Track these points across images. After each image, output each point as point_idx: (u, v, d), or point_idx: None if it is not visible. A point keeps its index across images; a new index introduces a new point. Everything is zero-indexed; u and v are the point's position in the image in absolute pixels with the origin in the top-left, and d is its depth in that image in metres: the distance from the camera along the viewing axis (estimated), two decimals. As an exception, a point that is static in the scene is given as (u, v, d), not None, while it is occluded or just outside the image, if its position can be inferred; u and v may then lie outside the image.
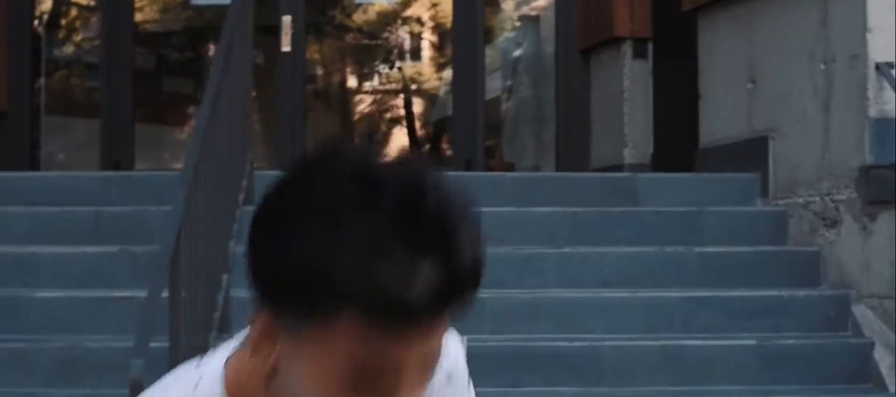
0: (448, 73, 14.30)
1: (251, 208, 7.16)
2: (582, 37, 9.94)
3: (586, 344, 6.48)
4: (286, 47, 9.62)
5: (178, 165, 12.25)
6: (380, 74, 15.65)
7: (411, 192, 1.38)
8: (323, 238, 1.36)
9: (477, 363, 6.64)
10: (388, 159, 1.44)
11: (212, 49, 14.19)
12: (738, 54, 8.02)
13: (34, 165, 10.16)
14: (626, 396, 6.18)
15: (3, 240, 7.28)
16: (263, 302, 1.42)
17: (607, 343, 6.48)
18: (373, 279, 1.34)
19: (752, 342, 6.50)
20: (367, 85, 15.62)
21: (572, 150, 9.93)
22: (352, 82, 15.44)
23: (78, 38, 13.07)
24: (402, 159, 1.44)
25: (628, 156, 9.35)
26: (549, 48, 10.70)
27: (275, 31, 9.84)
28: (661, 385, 6.36)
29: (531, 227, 7.37)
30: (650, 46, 9.39)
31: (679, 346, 6.51)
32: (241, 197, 7.20)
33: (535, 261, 7.06)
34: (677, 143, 8.98)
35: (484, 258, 1.47)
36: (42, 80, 10.74)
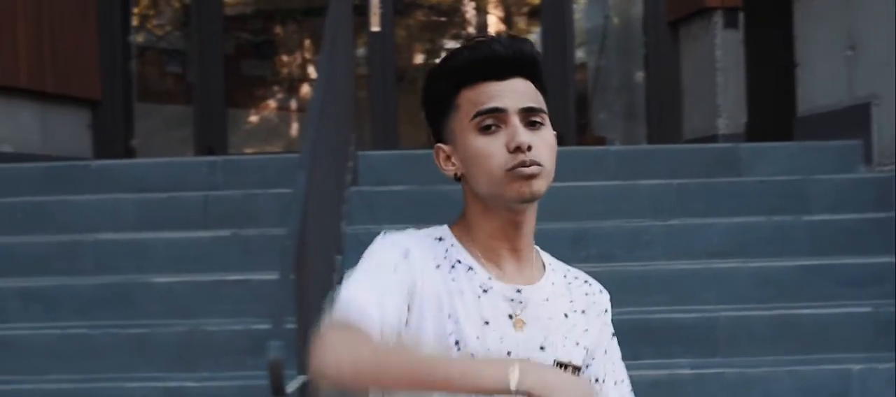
0: (533, 48, 14.32)
1: (357, 189, 7.26)
2: (671, 7, 9.93)
3: (701, 315, 6.49)
4: (375, 27, 9.65)
5: (261, 149, 12.38)
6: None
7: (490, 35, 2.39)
8: (447, 60, 2.38)
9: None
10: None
11: (283, 31, 14.31)
12: (836, 21, 7.98)
13: (128, 152, 10.27)
14: (744, 366, 6.17)
15: (114, 227, 7.38)
16: (434, 140, 2.40)
17: (722, 313, 6.48)
18: (475, 52, 2.34)
19: (867, 309, 6.48)
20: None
21: (664, 122, 9.93)
22: (429, 59, 15.46)
23: (154, 24, 13.18)
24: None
25: (722, 126, 9.34)
26: (637, 20, 10.69)
27: (360, 11, 9.88)
28: (778, 354, 6.36)
29: (637, 200, 7.38)
30: (741, 16, 9.36)
31: (793, 315, 6.50)
32: (349, 178, 7.26)
33: (644, 234, 7.08)
34: (772, 112, 8.96)
35: (534, 55, 2.37)
36: (132, 67, 10.83)
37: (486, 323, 2.33)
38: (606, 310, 2.50)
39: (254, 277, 6.73)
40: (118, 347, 6.43)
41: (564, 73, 10.01)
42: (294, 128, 13.99)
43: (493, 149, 2.30)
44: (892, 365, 6.05)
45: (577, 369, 2.39)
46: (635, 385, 6.06)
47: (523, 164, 2.28)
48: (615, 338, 2.52)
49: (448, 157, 2.38)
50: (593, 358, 2.44)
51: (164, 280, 6.83)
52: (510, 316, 2.35)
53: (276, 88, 14.35)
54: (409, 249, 2.33)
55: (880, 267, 6.82)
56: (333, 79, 6.58)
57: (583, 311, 2.44)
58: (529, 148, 2.28)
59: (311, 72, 14.83)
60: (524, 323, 2.36)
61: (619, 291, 6.57)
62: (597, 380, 2.45)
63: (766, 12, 9.06)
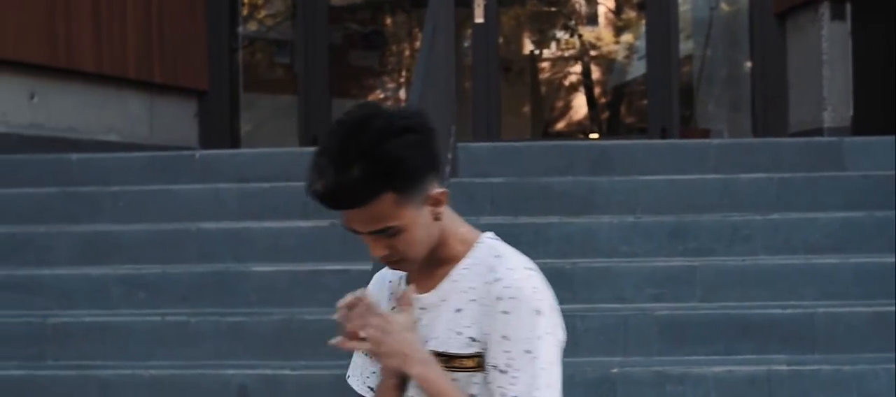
0: (627, 38, 14.25)
1: (457, 180, 7.27)
2: (777, 0, 9.83)
3: (799, 311, 6.41)
4: (479, 19, 9.67)
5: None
6: (558, 41, 15.65)
7: (338, 134, 2.41)
8: (307, 187, 2.45)
9: (689, 330, 6.64)
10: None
11: (391, 21, 14.36)
12: (945, 14, 7.86)
13: (234, 142, 10.39)
14: (841, 363, 6.10)
15: (216, 216, 7.49)
16: None
17: (820, 309, 6.40)
18: (315, 198, 2.42)
19: (969, 306, 6.36)
20: (546, 53, 15.63)
21: (769, 115, 9.84)
22: (535, 49, 15.46)
23: (263, 15, 13.31)
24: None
25: (828, 119, 9.22)
26: (743, 11, 10.60)
27: (465, 2, 9.90)
28: (876, 351, 6.27)
29: (737, 194, 7.33)
30: (848, 8, 9.23)
31: (893, 312, 6.40)
32: (448, 169, 7.28)
33: (744, 229, 7.02)
34: (879, 106, 8.83)
35: (375, 179, 2.37)
36: (239, 58, 10.96)
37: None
38: (498, 297, 2.45)
39: (353, 267, 6.77)
40: (217, 335, 6.51)
41: (668, 65, 9.95)
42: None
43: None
44: None
45: (451, 357, 2.50)
46: (732, 381, 6.03)
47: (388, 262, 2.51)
48: (530, 327, 2.45)
49: None
50: (487, 347, 2.47)
51: (263, 269, 6.91)
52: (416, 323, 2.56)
53: (383, 78, 14.42)
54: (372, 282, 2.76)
55: (984, 264, 6.70)
56: (433, 69, 6.60)
57: (474, 300, 2.50)
58: (383, 258, 2.47)
59: (410, 63, 14.90)
60: (423, 324, 2.54)
61: (717, 286, 6.61)
62: (492, 366, 2.46)
63: (875, 4, 8.93)
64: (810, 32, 9.42)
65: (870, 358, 6.16)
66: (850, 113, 9.19)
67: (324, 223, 7.19)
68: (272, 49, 13.10)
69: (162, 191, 7.74)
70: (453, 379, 2.49)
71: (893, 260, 6.74)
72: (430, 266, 2.54)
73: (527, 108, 15.36)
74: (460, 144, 7.77)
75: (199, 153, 8.31)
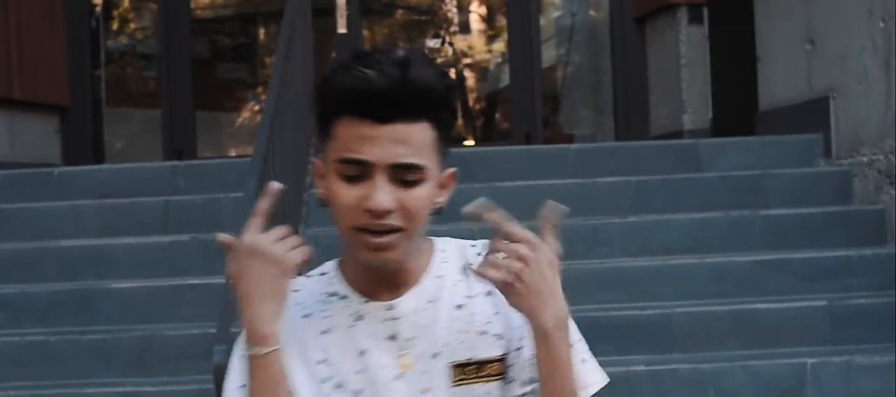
0: (499, 45, 14.33)
1: (316, 191, 7.29)
2: (636, 4, 9.96)
3: (657, 311, 6.51)
4: (342, 29, 9.67)
5: (238, 151, 12.39)
6: (430, 50, 15.68)
7: (387, 49, 2.07)
8: (332, 77, 2.08)
9: (553, 335, 6.55)
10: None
11: (263, 33, 14.31)
12: (795, 15, 8.01)
13: (98, 157, 10.29)
14: (699, 361, 6.19)
15: (76, 233, 7.41)
16: (314, 153, 2.24)
17: (678, 309, 6.50)
18: (352, 82, 2.02)
19: (823, 302, 6.50)
20: (419, 61, 15.64)
21: (631, 119, 9.96)
22: (404, 59, 15.47)
23: (133, 28, 13.19)
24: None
25: (688, 122, 9.37)
26: (604, 17, 10.72)
27: (328, 12, 9.89)
28: (733, 349, 6.39)
29: (596, 198, 7.41)
30: (705, 11, 9.39)
31: (750, 310, 6.53)
32: (308, 180, 7.27)
33: (603, 232, 7.10)
34: (736, 107, 8.99)
35: (436, 88, 2.06)
36: (101, 73, 10.85)
37: (362, 352, 2.15)
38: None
39: (214, 281, 6.73)
40: (77, 353, 6.44)
41: (531, 71, 10.03)
42: (254, 133, 14.00)
43: (348, 200, 2.06)
44: (846, 358, 6.08)
45: (484, 363, 2.17)
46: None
47: (371, 231, 2.06)
48: None
49: (320, 177, 2.16)
50: (515, 344, 2.21)
51: (123, 285, 6.85)
52: (392, 338, 2.16)
53: (250, 92, 14.35)
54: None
55: (838, 260, 6.85)
56: (288, 82, 6.60)
57: (488, 293, 2.21)
58: (387, 212, 2.06)
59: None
60: (410, 338, 2.16)
61: (578, 289, 6.67)
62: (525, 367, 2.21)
63: (730, 7, 9.10)
64: (669, 36, 9.57)
65: (727, 356, 6.27)
66: (710, 115, 9.34)
67: (184, 237, 7.16)
68: (138, 63, 12.99)
69: (21, 209, 7.63)
70: (486, 393, 2.17)
71: (749, 258, 6.88)
72: (380, 276, 2.18)
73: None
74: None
75: (58, 170, 8.22)
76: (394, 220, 2.06)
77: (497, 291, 2.15)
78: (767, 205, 7.35)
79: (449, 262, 2.23)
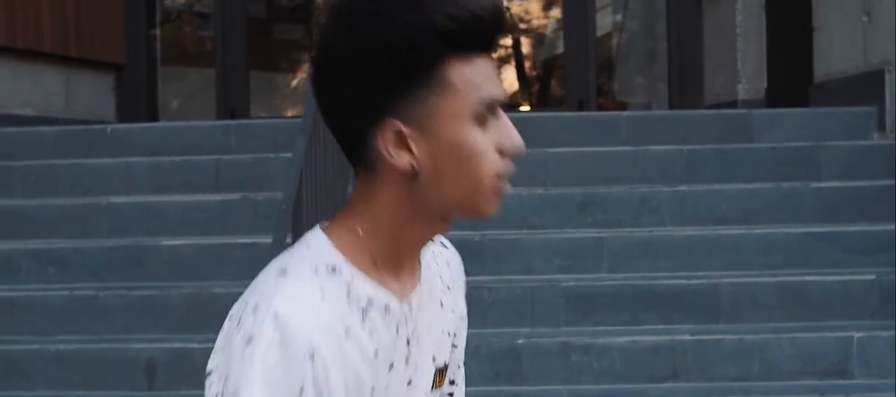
0: (556, 12, 14.28)
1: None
2: (693, -28, 9.91)
3: (704, 281, 6.48)
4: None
5: (292, 112, 12.42)
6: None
7: None
8: (416, 12, 1.65)
9: (596, 301, 6.72)
10: None
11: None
12: (853, -14, 7.94)
13: (152, 115, 10.35)
14: (745, 332, 6.17)
15: (127, 190, 7.46)
16: (380, 114, 1.67)
17: (725, 280, 6.47)
18: (463, 15, 1.64)
19: (872, 277, 6.45)
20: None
21: (685, 87, 9.91)
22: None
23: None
24: None
25: (742, 92, 9.31)
26: (661, -16, 10.67)
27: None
28: (780, 320, 6.36)
29: (647, 166, 7.38)
30: (763, -19, 9.33)
31: (797, 282, 6.48)
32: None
33: (652, 200, 7.08)
34: (791, 78, 8.93)
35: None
36: (157, 32, 10.90)
37: (391, 365, 1.78)
38: (463, 276, 1.99)
39: (263, 240, 6.77)
40: (126, 309, 6.50)
41: (585, 38, 10.00)
42: (305, 93, 14.01)
43: (487, 147, 1.69)
44: (893, 332, 6.04)
45: (446, 367, 1.91)
46: (636, 351, 6.11)
47: (506, 177, 1.74)
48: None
49: (404, 143, 1.69)
50: (457, 339, 1.97)
51: (173, 242, 6.90)
52: (408, 342, 1.80)
53: (305, 53, 14.39)
54: (315, 345, 1.64)
55: (888, 234, 6.78)
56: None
57: (449, 287, 1.93)
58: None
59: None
60: (419, 338, 1.82)
61: (624, 257, 6.68)
62: (459, 367, 2.00)
63: (787, -23, 9.03)
64: (725, 5, 9.50)
65: (773, 328, 6.25)
66: (765, 85, 9.28)
67: (234, 196, 7.20)
68: (193, 22, 13.03)
69: (73, 165, 7.70)
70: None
71: (798, 230, 6.84)
72: (416, 257, 1.83)
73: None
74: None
75: (111, 127, 8.28)
76: None
77: (452, 285, 1.94)
78: (819, 178, 7.29)
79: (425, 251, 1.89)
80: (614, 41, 11.84)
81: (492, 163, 1.69)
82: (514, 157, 1.72)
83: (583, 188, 7.15)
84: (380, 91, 1.65)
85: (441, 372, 1.87)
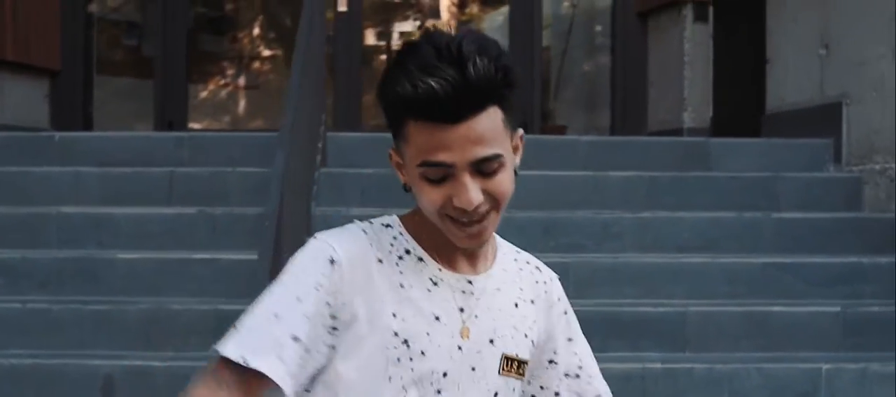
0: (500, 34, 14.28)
1: (326, 170, 7.17)
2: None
3: (671, 309, 6.45)
4: (343, 7, 9.57)
5: (215, 124, 12.26)
6: (402, 34, 15.64)
7: (439, 44, 2.04)
8: (395, 83, 2.07)
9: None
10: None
11: (232, 6, 14.18)
12: (810, 20, 7.97)
13: (87, 124, 10.13)
14: (713, 361, 6.15)
15: (77, 200, 7.27)
16: (393, 143, 2.16)
17: (692, 308, 6.45)
18: (416, 93, 2.02)
19: (837, 309, 6.47)
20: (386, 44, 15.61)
21: (628, 114, 9.91)
22: (378, 41, 15.41)
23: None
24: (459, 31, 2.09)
25: (688, 120, 9.32)
26: (605, 9, 10.66)
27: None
28: (747, 350, 6.35)
29: (607, 192, 7.35)
30: (711, 10, 9.35)
31: (763, 312, 6.48)
32: (318, 158, 7.18)
33: (614, 226, 7.04)
34: (738, 108, 8.96)
35: (495, 74, 2.04)
36: (93, 39, 10.69)
37: (437, 318, 2.19)
38: (560, 299, 2.38)
39: (221, 256, 6.64)
40: (80, 323, 6.31)
41: (531, 59, 9.96)
42: (241, 106, 13.88)
43: (437, 199, 2.10)
44: (862, 365, 6.05)
45: (523, 363, 2.26)
46: (606, 378, 6.03)
47: (465, 223, 2.11)
48: (576, 323, 2.43)
49: (399, 165, 2.19)
50: (555, 352, 2.35)
51: (128, 256, 6.72)
52: (462, 310, 2.20)
53: (225, 64, 14.27)
54: (337, 256, 2.13)
55: (849, 267, 6.83)
56: (310, 57, 6.49)
57: (532, 301, 2.31)
58: (478, 206, 2.10)
59: (262, 49, 14.75)
60: (476, 316, 2.22)
61: (589, 283, 6.62)
62: (567, 375, 2.36)
63: (737, 8, 9.05)
64: (672, 33, 9.51)
65: (741, 358, 6.23)
66: (710, 114, 9.30)
67: (190, 210, 7.05)
68: (123, 31, 12.82)
69: (19, 172, 7.48)
70: (515, 390, 2.28)
71: (760, 260, 6.84)
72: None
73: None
74: (329, 134, 7.67)
75: (58, 135, 8.05)
76: (483, 207, 2.11)
77: (538, 301, 2.32)
78: (778, 208, 7.32)
79: (507, 257, 2.32)
80: (557, 65, 11.81)
81: (440, 206, 2.10)
82: (470, 211, 2.08)
83: (546, 212, 7.09)
84: (389, 129, 2.14)
85: (510, 361, 2.23)
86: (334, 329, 2.13)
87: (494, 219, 2.14)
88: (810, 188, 7.47)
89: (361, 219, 2.25)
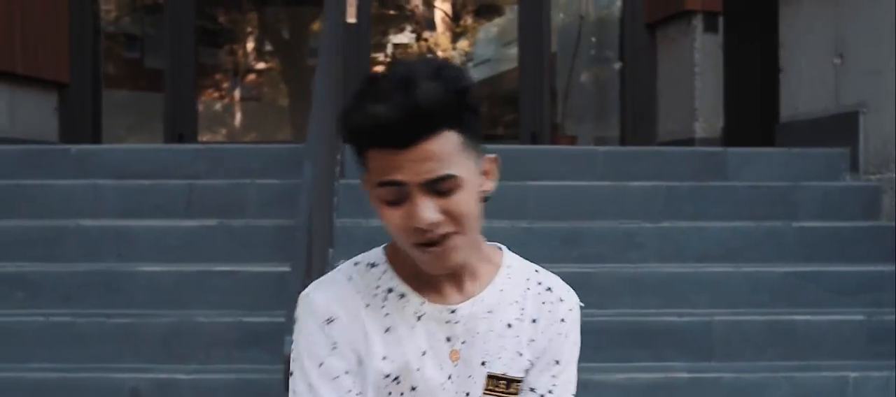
0: (463, 44, 14.31)
1: (345, 182, 7.15)
2: (649, 10, 9.91)
3: (696, 318, 6.45)
4: (352, 19, 9.54)
5: (212, 137, 12.23)
6: (398, 46, 15.70)
7: (396, 72, 2.13)
8: (351, 113, 2.15)
9: (587, 337, 6.64)
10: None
11: (224, 19, 14.19)
12: (824, 29, 7.98)
13: (96, 137, 10.11)
14: (740, 370, 6.14)
15: (95, 213, 7.24)
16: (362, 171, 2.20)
17: (717, 317, 6.45)
18: (367, 120, 2.09)
19: (860, 317, 6.47)
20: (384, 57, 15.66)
21: (637, 124, 9.91)
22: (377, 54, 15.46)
23: (120, 10, 13.04)
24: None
25: (699, 130, 9.33)
26: (614, 20, 10.67)
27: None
28: (772, 359, 6.35)
29: (627, 202, 7.35)
30: (721, 20, 9.36)
31: (787, 321, 6.48)
32: (338, 170, 7.17)
33: (636, 236, 7.04)
34: (750, 118, 8.97)
35: (447, 98, 2.10)
36: (101, 52, 10.67)
37: (423, 352, 2.25)
38: (563, 320, 2.36)
39: (242, 268, 6.62)
40: (104, 336, 6.28)
41: (541, 69, 9.97)
42: (237, 118, 13.90)
43: (396, 222, 2.16)
44: (887, 373, 6.06)
45: (512, 381, 2.30)
46: (633, 388, 6.01)
47: (428, 243, 2.16)
48: (576, 348, 2.41)
49: (368, 191, 2.25)
50: (533, 366, 2.33)
51: (149, 268, 6.70)
52: (448, 339, 2.27)
53: (219, 77, 14.31)
54: (333, 313, 2.23)
55: (870, 275, 6.83)
56: (331, 68, 6.49)
57: (534, 320, 2.33)
58: (434, 224, 2.14)
59: (256, 62, 14.77)
60: (463, 342, 2.27)
61: (612, 293, 6.61)
62: (532, 390, 2.33)
63: (748, 18, 9.06)
64: (682, 44, 9.52)
65: (767, 367, 6.23)
66: (721, 124, 9.31)
67: (210, 222, 7.03)
68: (126, 44, 12.82)
69: (36, 186, 7.45)
70: None
71: (782, 269, 6.84)
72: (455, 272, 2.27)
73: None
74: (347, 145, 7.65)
75: (74, 148, 8.02)
76: (444, 228, 2.15)
77: (540, 320, 2.33)
78: (798, 217, 7.32)
79: (512, 279, 2.34)
80: (566, 76, 11.82)
81: (402, 234, 2.15)
82: (427, 230, 2.13)
83: (566, 223, 7.09)
84: (356, 160, 2.20)
85: (497, 380, 2.27)
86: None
87: (461, 242, 2.17)
88: (828, 197, 7.48)
89: (380, 231, 2.29)
